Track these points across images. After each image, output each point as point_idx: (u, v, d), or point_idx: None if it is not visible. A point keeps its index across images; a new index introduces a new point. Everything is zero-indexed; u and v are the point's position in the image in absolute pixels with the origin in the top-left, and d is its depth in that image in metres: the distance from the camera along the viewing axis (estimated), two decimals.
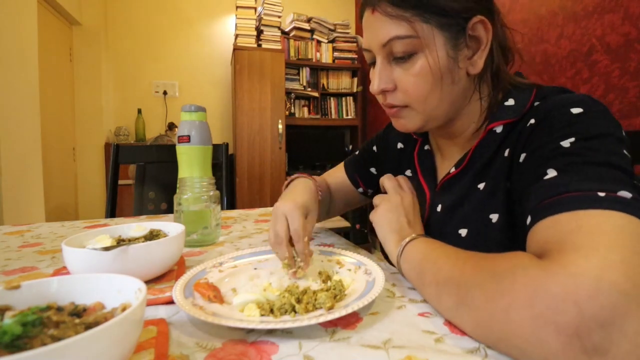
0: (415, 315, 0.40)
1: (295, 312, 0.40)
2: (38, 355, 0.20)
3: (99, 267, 0.45)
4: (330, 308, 0.39)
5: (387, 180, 0.61)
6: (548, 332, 0.27)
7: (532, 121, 0.45)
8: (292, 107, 3.36)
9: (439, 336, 0.36)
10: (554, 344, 0.27)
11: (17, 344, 0.24)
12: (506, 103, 0.51)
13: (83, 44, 2.87)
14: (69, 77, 2.82)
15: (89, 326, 0.27)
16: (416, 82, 0.49)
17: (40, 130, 2.01)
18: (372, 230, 0.57)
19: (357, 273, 0.51)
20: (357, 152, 0.80)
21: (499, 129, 0.50)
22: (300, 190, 0.61)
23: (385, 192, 0.60)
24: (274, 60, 3.03)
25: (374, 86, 0.52)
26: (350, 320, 0.39)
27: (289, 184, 0.69)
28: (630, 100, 1.34)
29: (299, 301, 0.41)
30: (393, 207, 0.55)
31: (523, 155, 0.45)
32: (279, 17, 3.09)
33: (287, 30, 3.29)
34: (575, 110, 0.42)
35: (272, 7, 3.05)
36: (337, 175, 0.80)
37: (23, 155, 1.87)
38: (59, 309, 0.29)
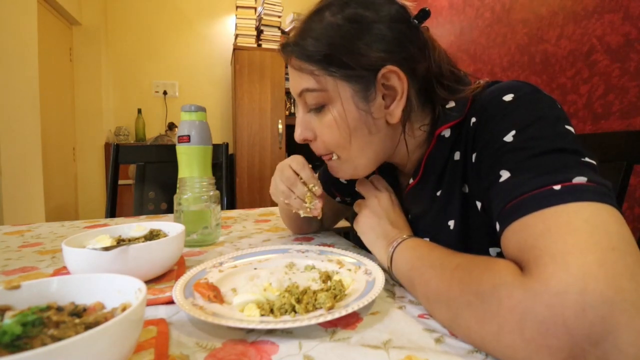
0: (416, 316, 0.40)
1: (295, 312, 0.40)
2: (38, 355, 0.20)
3: (99, 267, 0.45)
4: (330, 308, 0.39)
5: (360, 186, 0.60)
6: (542, 357, 0.27)
7: (474, 119, 0.45)
8: (292, 107, 3.35)
9: (439, 336, 0.36)
10: None
11: (17, 344, 0.24)
12: (448, 106, 0.50)
13: (83, 44, 2.87)
14: (69, 77, 2.82)
15: (89, 326, 0.27)
16: (330, 133, 0.51)
17: (40, 130, 2.01)
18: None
19: (357, 273, 0.51)
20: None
21: (447, 133, 0.50)
22: (299, 156, 0.64)
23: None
24: (274, 60, 3.03)
25: (296, 135, 0.54)
26: (350, 320, 0.39)
27: None
28: (630, 100, 1.34)
29: (299, 301, 0.41)
30: (372, 212, 0.55)
31: (474, 156, 0.44)
32: (279, 17, 3.09)
33: (287, 30, 3.28)
34: (507, 98, 0.42)
35: (272, 7, 3.05)
36: None
37: (23, 155, 1.87)
38: (59, 309, 0.29)
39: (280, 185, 0.61)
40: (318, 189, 0.58)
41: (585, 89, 1.51)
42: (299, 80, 0.50)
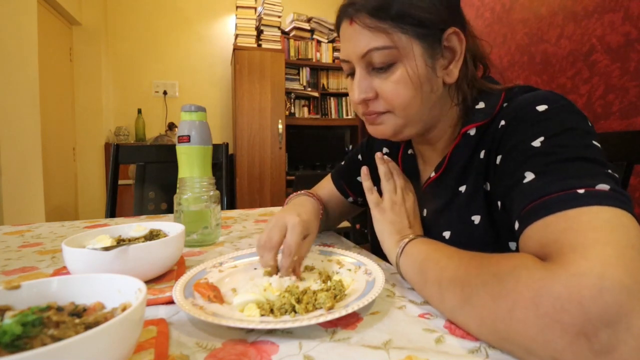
0: (416, 316, 0.40)
1: (295, 312, 0.40)
2: (38, 355, 0.20)
3: (99, 267, 0.45)
4: (330, 308, 0.39)
5: (398, 177, 0.60)
6: (554, 332, 0.28)
7: (502, 122, 0.46)
8: (292, 107, 3.36)
9: (439, 336, 0.36)
10: (561, 343, 0.27)
11: (17, 344, 0.24)
12: (477, 107, 0.52)
13: (83, 44, 2.87)
14: (69, 77, 2.82)
15: (89, 326, 0.27)
16: (396, 89, 0.50)
17: (40, 130, 2.01)
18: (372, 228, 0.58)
19: (357, 273, 0.51)
20: (342, 163, 0.79)
21: (472, 132, 0.52)
22: (307, 209, 0.61)
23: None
24: (274, 60, 3.03)
25: (355, 96, 0.53)
26: (350, 320, 0.39)
27: (292, 199, 0.69)
28: (630, 100, 1.34)
29: (299, 301, 0.41)
30: (398, 208, 0.56)
31: (499, 158, 0.46)
32: (279, 17, 3.09)
33: (287, 30, 3.29)
34: (540, 108, 0.43)
35: (272, 7, 3.05)
36: (327, 187, 0.79)
37: (23, 155, 1.87)
38: (59, 309, 0.29)
39: (268, 235, 0.52)
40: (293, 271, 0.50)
41: (585, 89, 1.51)
42: (367, 39, 0.50)
